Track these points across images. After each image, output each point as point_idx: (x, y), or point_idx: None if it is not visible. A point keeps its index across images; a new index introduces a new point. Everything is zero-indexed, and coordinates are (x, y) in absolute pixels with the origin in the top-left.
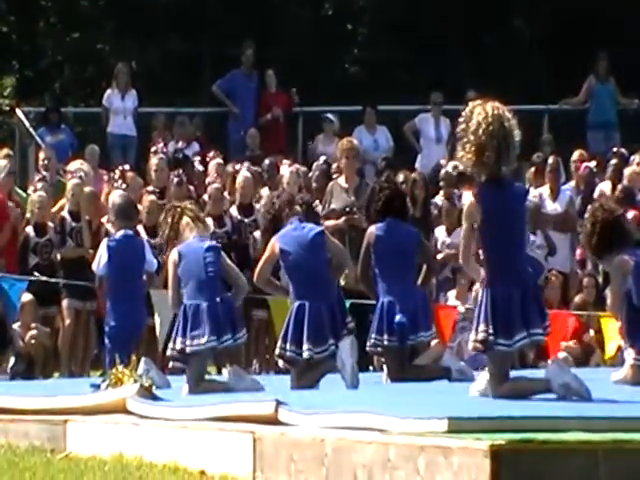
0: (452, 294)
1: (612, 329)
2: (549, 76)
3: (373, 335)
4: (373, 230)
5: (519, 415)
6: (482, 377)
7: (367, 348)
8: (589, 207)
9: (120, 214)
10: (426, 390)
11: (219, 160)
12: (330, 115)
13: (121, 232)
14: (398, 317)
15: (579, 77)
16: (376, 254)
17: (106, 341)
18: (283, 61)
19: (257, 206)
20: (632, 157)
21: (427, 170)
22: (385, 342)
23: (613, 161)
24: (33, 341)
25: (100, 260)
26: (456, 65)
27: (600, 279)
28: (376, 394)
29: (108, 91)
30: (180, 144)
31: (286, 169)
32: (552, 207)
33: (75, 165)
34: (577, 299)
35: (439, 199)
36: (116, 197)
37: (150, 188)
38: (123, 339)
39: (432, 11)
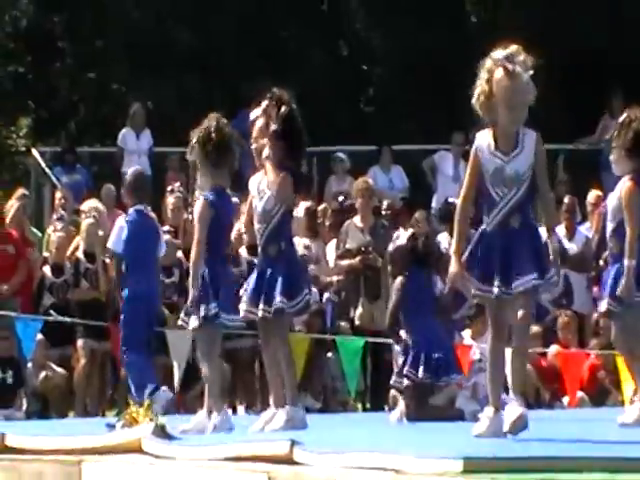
0: (467, 333)
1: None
2: (564, 115)
3: (406, 369)
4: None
5: (536, 455)
6: (484, 418)
7: (392, 382)
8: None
9: (135, 188)
10: (441, 430)
11: (235, 200)
12: (340, 154)
13: (137, 206)
14: (436, 355)
15: (594, 115)
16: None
17: (121, 316)
18: (298, 101)
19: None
20: None
21: None
22: (418, 377)
23: None
24: (47, 381)
25: (117, 238)
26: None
27: None
28: (391, 434)
29: (123, 131)
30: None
31: (300, 207)
32: (568, 246)
33: (89, 205)
34: (593, 342)
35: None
36: (130, 172)
37: (166, 228)
38: (140, 310)
39: (447, 52)
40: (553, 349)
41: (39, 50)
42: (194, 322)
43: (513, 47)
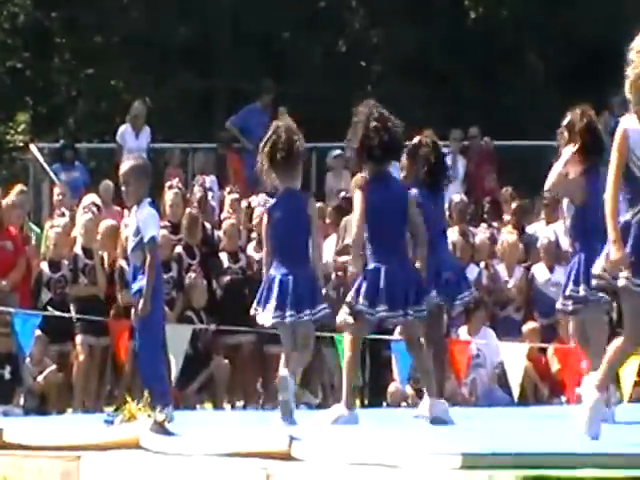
0: (464, 330)
1: (627, 366)
2: (564, 112)
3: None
4: None
5: (533, 452)
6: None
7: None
8: None
9: (142, 174)
10: (439, 425)
11: (235, 195)
12: (338, 150)
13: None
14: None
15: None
16: None
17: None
18: (296, 97)
19: None
20: None
21: None
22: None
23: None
24: (45, 377)
25: (156, 227)
26: (470, 101)
27: (614, 315)
28: (389, 429)
29: (122, 128)
30: (199, 179)
31: None
32: (567, 243)
33: (88, 200)
34: None
35: (452, 234)
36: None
37: (163, 223)
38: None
39: (446, 48)
40: (552, 346)
41: (37, 46)
42: None
43: None
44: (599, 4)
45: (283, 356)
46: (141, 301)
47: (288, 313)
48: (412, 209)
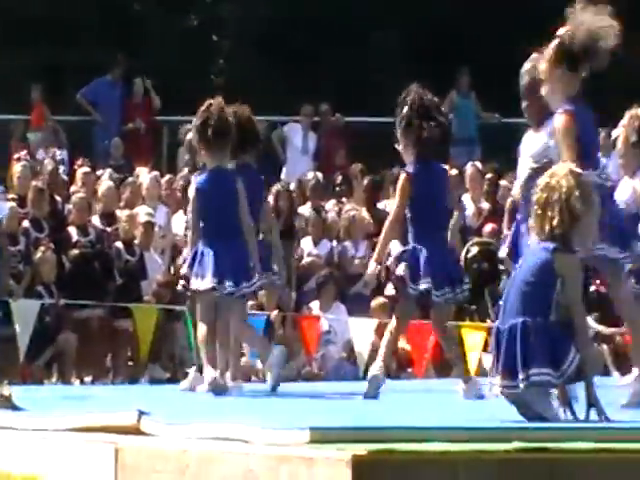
0: (316, 305)
1: (472, 340)
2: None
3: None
4: None
5: (381, 426)
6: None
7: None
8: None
9: None
10: (290, 398)
11: (86, 169)
12: (188, 125)
13: None
14: None
15: (442, 92)
16: None
17: None
18: (148, 70)
19: (119, 214)
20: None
21: (293, 180)
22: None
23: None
24: None
25: None
26: (322, 78)
27: None
28: (242, 404)
29: None
30: (47, 151)
31: (145, 176)
32: None
33: None
34: None
35: (306, 210)
36: None
37: (11, 195)
38: None
39: (298, 25)
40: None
41: None
42: None
43: None
44: None
45: (204, 327)
46: None
47: (228, 284)
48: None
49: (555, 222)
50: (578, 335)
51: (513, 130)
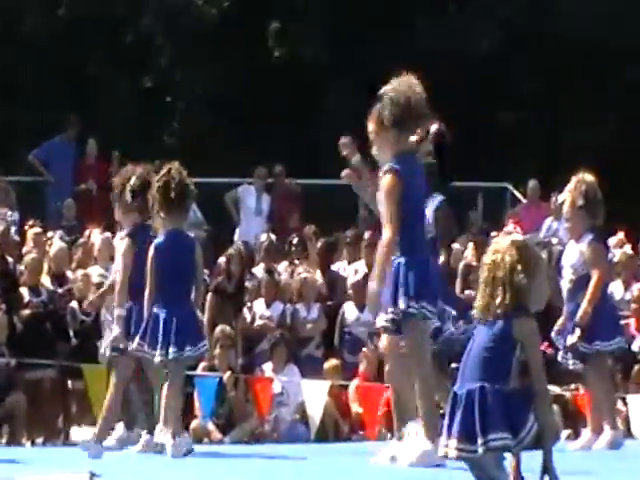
0: (269, 366)
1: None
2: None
3: None
4: None
5: None
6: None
7: None
8: None
9: None
10: (242, 459)
11: (37, 230)
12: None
13: None
14: None
15: None
16: None
17: None
18: (103, 131)
19: (71, 275)
20: None
21: (246, 241)
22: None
23: None
24: None
25: None
26: (276, 140)
27: None
28: (194, 465)
29: None
30: (1, 212)
31: (97, 237)
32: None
33: None
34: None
35: (259, 271)
36: None
37: None
38: None
39: (249, 87)
40: (353, 383)
41: None
42: None
43: None
44: (388, 46)
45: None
46: None
47: (172, 349)
48: None
49: (498, 301)
50: (538, 402)
51: None
